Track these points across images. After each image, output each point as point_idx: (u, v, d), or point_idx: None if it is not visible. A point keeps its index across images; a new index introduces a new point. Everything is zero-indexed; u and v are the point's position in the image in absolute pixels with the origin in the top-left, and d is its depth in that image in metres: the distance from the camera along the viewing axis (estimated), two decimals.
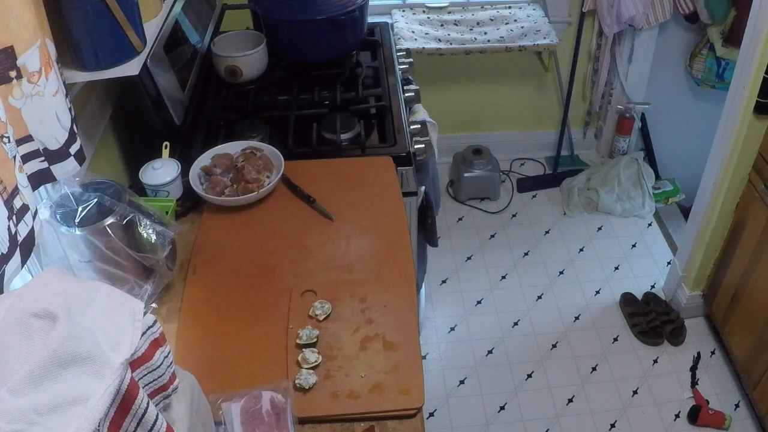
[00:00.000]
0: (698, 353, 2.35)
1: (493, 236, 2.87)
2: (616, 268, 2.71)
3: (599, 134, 3.22)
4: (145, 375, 0.74)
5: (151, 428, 0.71)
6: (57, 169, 1.08)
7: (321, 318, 1.23)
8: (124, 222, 1.16)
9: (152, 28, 1.41)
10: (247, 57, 1.88)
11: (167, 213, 1.35)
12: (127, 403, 0.68)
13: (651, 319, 2.43)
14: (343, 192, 1.54)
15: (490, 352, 2.39)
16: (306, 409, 1.08)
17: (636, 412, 2.19)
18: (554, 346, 2.41)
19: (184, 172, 1.51)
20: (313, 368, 1.14)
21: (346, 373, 1.14)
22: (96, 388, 0.62)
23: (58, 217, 1.13)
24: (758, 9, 1.81)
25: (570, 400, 2.22)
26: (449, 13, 2.80)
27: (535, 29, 2.69)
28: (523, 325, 2.48)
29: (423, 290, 2.34)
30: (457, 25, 2.75)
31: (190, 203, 1.52)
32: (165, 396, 0.80)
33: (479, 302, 2.57)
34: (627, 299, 2.54)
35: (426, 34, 2.69)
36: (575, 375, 2.31)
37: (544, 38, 2.65)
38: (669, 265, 2.64)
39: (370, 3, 2.04)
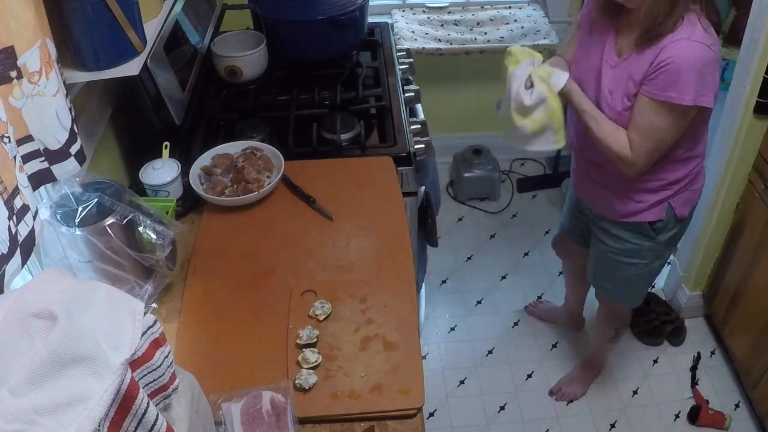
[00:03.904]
0: (698, 353, 2.35)
1: (493, 236, 2.87)
2: None
3: None
4: (146, 375, 0.74)
5: (151, 428, 0.71)
6: (57, 169, 1.08)
7: (321, 318, 1.23)
8: (124, 222, 1.16)
9: (152, 28, 1.41)
10: (247, 57, 1.88)
11: (167, 213, 1.35)
12: (127, 403, 0.68)
13: (651, 319, 2.42)
14: (343, 192, 1.54)
15: (490, 352, 2.39)
16: (306, 409, 1.08)
17: (636, 412, 2.19)
18: (554, 346, 2.41)
19: (184, 172, 1.51)
20: (313, 368, 1.14)
21: (346, 373, 1.14)
22: (96, 388, 0.62)
23: (58, 217, 1.13)
24: (758, 9, 1.81)
25: (570, 400, 2.22)
26: (449, 13, 2.80)
27: (535, 29, 2.69)
28: (523, 325, 2.48)
29: (423, 290, 2.34)
30: (457, 25, 2.75)
31: (190, 203, 1.52)
32: (165, 396, 0.80)
33: (479, 302, 2.57)
34: None
35: (426, 34, 2.69)
36: None
37: (544, 38, 2.65)
38: (669, 265, 2.63)
39: (370, 3, 2.03)
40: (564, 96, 1.53)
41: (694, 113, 1.43)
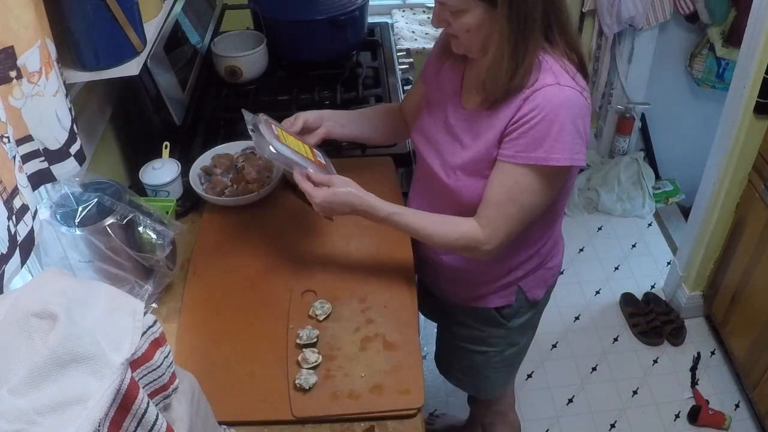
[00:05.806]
0: (698, 353, 2.35)
1: None
2: (616, 268, 2.71)
3: (599, 134, 3.22)
4: (145, 375, 0.74)
5: (151, 428, 0.71)
6: (57, 169, 1.08)
7: (321, 318, 1.23)
8: (125, 222, 1.16)
9: (152, 28, 1.40)
10: (247, 57, 1.88)
11: (167, 213, 1.35)
12: (127, 403, 0.68)
13: (651, 319, 2.43)
14: None
15: None
16: (306, 409, 1.08)
17: (636, 412, 2.19)
18: (554, 346, 2.41)
19: (184, 172, 1.51)
20: (313, 368, 1.14)
21: (346, 373, 1.14)
22: (96, 388, 0.62)
23: (58, 217, 1.13)
24: (758, 9, 1.81)
25: (570, 400, 2.22)
26: None
27: None
28: None
29: None
30: None
31: (190, 203, 1.52)
32: (165, 396, 0.80)
33: None
34: (627, 299, 2.54)
35: (426, 34, 2.69)
36: (575, 375, 2.30)
37: None
38: (669, 265, 2.64)
39: (370, 3, 2.03)
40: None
41: (565, 177, 1.16)
